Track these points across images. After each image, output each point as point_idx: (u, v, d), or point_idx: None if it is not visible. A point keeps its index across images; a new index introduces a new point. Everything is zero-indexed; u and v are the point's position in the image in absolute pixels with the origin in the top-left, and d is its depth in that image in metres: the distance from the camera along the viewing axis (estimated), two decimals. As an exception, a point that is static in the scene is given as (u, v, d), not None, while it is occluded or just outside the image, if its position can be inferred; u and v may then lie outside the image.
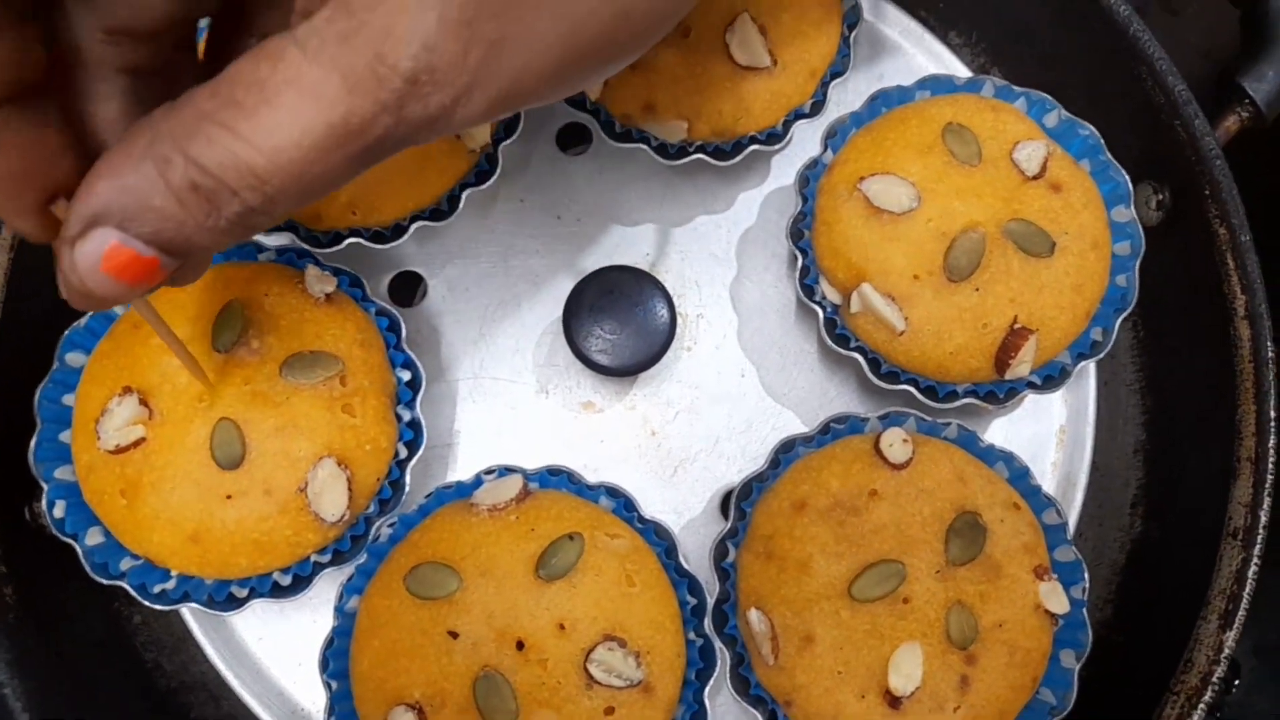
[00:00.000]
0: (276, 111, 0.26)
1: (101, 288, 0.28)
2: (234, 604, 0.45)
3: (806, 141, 0.55)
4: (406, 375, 0.49)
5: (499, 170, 0.51)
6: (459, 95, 0.27)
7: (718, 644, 0.46)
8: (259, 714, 0.50)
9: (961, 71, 0.60)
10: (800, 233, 0.51)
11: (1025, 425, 0.55)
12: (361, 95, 0.26)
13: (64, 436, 0.45)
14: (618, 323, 0.50)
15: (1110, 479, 0.56)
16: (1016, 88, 0.52)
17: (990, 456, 0.49)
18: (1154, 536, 0.54)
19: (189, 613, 0.51)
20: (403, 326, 0.49)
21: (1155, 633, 0.50)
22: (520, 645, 0.42)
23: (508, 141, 0.51)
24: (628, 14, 0.29)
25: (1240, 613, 0.46)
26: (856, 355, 0.50)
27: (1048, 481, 0.55)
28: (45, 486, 0.44)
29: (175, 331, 0.44)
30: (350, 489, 0.44)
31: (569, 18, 0.28)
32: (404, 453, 0.47)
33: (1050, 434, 0.55)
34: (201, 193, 0.27)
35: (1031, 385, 0.50)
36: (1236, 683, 0.58)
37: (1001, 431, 0.55)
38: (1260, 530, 0.47)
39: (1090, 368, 0.56)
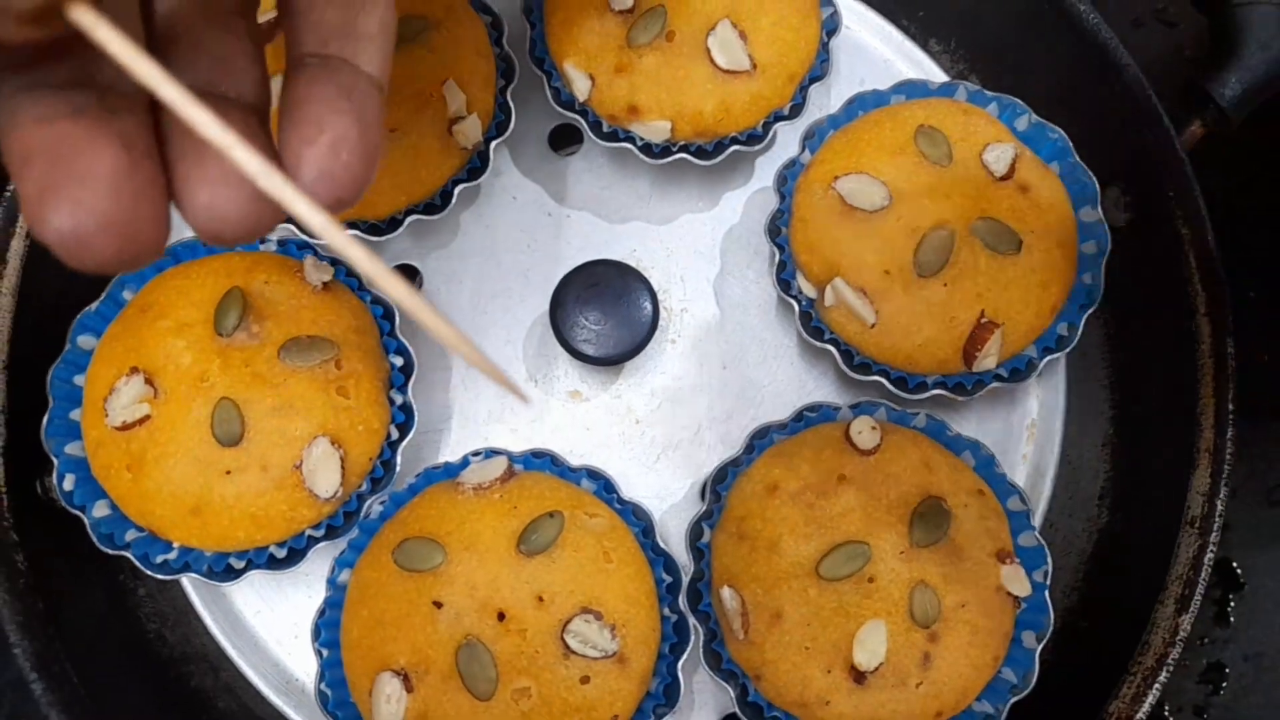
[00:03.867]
0: None
1: None
2: (232, 575, 0.48)
3: (788, 143, 0.57)
4: (399, 361, 0.51)
5: (490, 167, 0.53)
6: None
7: (691, 620, 0.47)
8: (255, 683, 0.52)
9: (940, 77, 0.62)
10: (778, 229, 0.53)
11: (997, 419, 0.57)
12: None
13: (74, 414, 0.48)
14: (602, 314, 0.52)
15: (1080, 472, 0.57)
16: (989, 92, 0.54)
17: (958, 445, 0.51)
18: (1119, 527, 0.56)
19: (190, 586, 0.53)
20: (396, 314, 0.51)
21: (1118, 619, 0.52)
22: (501, 616, 0.44)
23: (498, 140, 0.53)
24: None
25: (1196, 597, 0.48)
26: (830, 347, 0.52)
27: (1018, 473, 0.56)
28: (56, 461, 0.47)
29: (179, 315, 0.47)
30: (343, 467, 0.47)
31: None
32: (396, 434, 0.49)
33: (1022, 427, 0.57)
34: None
35: (998, 378, 0.52)
36: (1224, 685, 0.59)
37: (974, 424, 0.57)
38: (1216, 518, 0.49)
39: (1061, 364, 0.57)
